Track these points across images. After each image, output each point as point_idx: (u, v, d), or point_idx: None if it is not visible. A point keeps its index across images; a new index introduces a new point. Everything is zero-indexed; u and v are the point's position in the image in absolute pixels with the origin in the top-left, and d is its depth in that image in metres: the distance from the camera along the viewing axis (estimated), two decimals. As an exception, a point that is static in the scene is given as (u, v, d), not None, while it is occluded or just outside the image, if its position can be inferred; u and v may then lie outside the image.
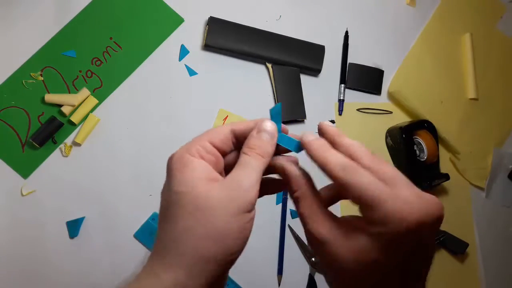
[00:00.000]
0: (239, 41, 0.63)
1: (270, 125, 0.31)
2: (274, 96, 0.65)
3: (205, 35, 0.63)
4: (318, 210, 0.31)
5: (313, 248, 0.31)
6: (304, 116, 0.65)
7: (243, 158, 0.30)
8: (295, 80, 0.66)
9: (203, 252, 0.27)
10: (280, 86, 0.65)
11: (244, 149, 0.31)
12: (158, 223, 0.31)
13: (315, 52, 0.67)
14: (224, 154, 0.32)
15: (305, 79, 0.67)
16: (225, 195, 0.28)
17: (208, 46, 0.63)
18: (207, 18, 0.64)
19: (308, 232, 0.30)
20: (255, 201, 0.30)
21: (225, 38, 0.63)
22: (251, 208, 0.29)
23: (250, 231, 0.30)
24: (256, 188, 0.29)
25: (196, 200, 0.28)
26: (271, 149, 0.31)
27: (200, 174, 0.29)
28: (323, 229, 0.29)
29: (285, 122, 0.65)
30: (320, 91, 0.68)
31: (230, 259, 0.28)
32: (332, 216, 0.31)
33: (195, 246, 0.27)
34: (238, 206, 0.28)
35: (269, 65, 0.65)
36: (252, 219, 0.30)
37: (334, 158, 0.32)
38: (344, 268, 0.28)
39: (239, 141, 0.32)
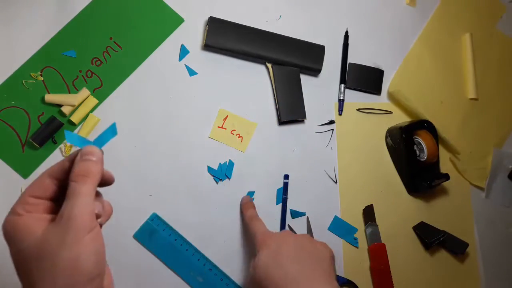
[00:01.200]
0: (239, 41, 0.63)
1: (88, 148, 0.33)
2: (274, 96, 0.65)
3: (205, 35, 0.63)
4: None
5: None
6: (304, 116, 0.65)
7: (70, 187, 0.31)
8: (295, 80, 0.66)
9: None
10: (280, 86, 0.65)
11: (70, 178, 0.31)
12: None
13: (315, 52, 0.67)
14: (52, 198, 0.33)
15: (305, 79, 0.67)
16: (60, 234, 0.29)
17: (208, 46, 0.63)
18: (207, 18, 0.64)
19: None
20: (91, 219, 0.30)
21: (225, 38, 0.63)
22: (89, 230, 0.30)
23: (102, 245, 0.31)
24: (87, 210, 0.30)
25: (39, 252, 0.29)
26: (97, 169, 0.32)
27: (33, 227, 0.30)
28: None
29: (285, 122, 0.65)
30: (320, 91, 0.68)
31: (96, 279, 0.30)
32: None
33: None
34: (76, 237, 0.29)
35: (269, 65, 0.65)
36: (97, 235, 0.31)
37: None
38: None
39: (63, 179, 0.33)
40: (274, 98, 0.65)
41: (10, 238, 0.31)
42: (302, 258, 0.46)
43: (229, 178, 0.61)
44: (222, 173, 0.61)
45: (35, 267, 0.29)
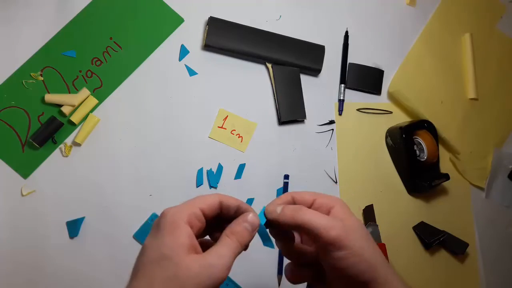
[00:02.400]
0: (239, 41, 0.63)
1: (254, 219, 0.35)
2: (274, 96, 0.65)
3: (205, 35, 0.63)
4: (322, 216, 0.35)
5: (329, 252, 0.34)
6: (304, 116, 0.65)
7: (225, 240, 0.33)
8: (295, 80, 0.66)
9: None
10: (280, 86, 0.65)
11: (227, 232, 0.34)
12: (131, 277, 0.33)
13: (315, 52, 0.67)
14: (207, 220, 0.35)
15: (305, 79, 0.67)
16: (203, 271, 0.31)
17: (208, 46, 0.63)
18: (207, 18, 0.64)
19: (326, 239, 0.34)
20: (225, 275, 0.32)
21: (225, 38, 0.63)
22: (220, 281, 0.32)
23: None
24: (228, 271, 0.32)
25: (177, 269, 0.31)
26: (249, 239, 0.34)
27: (186, 242, 0.32)
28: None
29: (285, 122, 0.65)
30: (320, 91, 0.68)
31: None
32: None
33: None
34: (212, 284, 0.31)
35: (269, 65, 0.65)
36: None
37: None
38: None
39: (221, 211, 0.35)
40: (274, 98, 0.65)
41: (162, 235, 0.32)
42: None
43: (215, 188, 0.61)
44: (212, 179, 0.61)
45: (167, 280, 0.31)
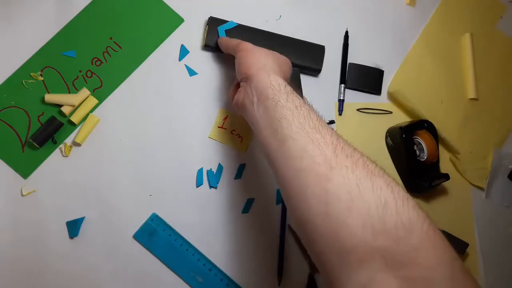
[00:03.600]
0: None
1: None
2: None
3: (205, 35, 0.63)
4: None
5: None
6: None
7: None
8: (295, 79, 0.66)
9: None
10: None
11: None
12: None
13: (315, 52, 0.67)
14: None
15: (305, 79, 0.67)
16: None
17: (208, 47, 0.63)
18: (207, 18, 0.64)
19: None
20: None
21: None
22: None
23: None
24: None
25: None
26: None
27: None
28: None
29: None
30: (320, 91, 0.68)
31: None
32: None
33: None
34: None
35: None
36: None
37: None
38: None
39: None
40: None
41: None
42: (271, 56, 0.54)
43: (215, 188, 0.61)
44: (211, 180, 0.61)
45: None
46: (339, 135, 0.41)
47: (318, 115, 0.44)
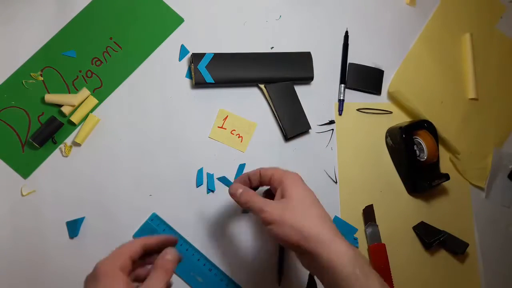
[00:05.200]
0: (226, 71, 0.62)
1: (173, 253, 0.42)
2: (275, 114, 0.65)
3: (193, 74, 0.62)
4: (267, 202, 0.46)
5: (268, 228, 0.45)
6: (309, 127, 0.65)
7: (154, 273, 0.40)
8: (290, 93, 0.65)
9: None
10: (278, 104, 0.64)
11: (155, 266, 0.40)
12: None
13: (302, 61, 0.66)
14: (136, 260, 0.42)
15: (300, 89, 0.66)
16: None
17: (198, 84, 0.62)
18: (190, 55, 0.62)
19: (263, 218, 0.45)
20: None
21: (213, 71, 0.62)
22: None
23: None
24: None
25: None
26: (174, 268, 0.41)
27: (123, 286, 0.37)
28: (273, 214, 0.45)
29: (292, 138, 0.65)
30: (317, 95, 0.68)
31: None
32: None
33: None
34: None
35: (262, 86, 0.64)
36: None
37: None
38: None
39: (145, 251, 0.43)
40: (275, 117, 0.65)
41: (104, 285, 0.38)
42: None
43: (213, 191, 0.61)
44: (209, 183, 0.61)
45: None
46: None
47: None
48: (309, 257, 0.43)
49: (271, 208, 0.45)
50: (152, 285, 0.39)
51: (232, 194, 0.49)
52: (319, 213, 0.45)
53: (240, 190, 0.48)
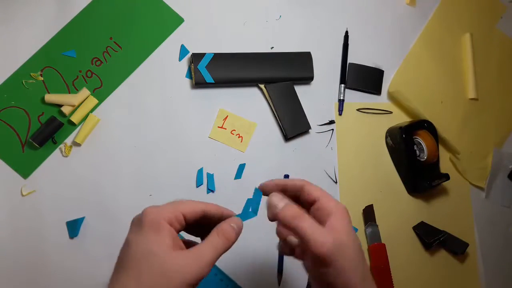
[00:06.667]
0: (226, 71, 0.62)
1: (239, 222, 0.38)
2: (275, 114, 0.65)
3: (193, 74, 0.62)
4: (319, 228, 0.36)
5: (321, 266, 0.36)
6: (309, 127, 0.65)
7: (213, 237, 0.36)
8: (290, 93, 0.65)
9: None
10: (278, 103, 0.64)
11: (217, 230, 0.36)
12: (116, 270, 0.34)
13: (302, 61, 0.66)
14: (188, 223, 0.37)
15: (300, 89, 0.66)
16: (188, 265, 0.33)
17: (199, 84, 0.62)
18: (190, 55, 0.63)
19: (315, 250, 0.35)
20: (209, 269, 0.35)
21: (213, 71, 0.62)
22: (197, 283, 0.34)
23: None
24: (211, 266, 0.35)
25: (163, 263, 0.32)
26: (235, 238, 0.37)
27: (170, 241, 0.34)
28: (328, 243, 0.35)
29: (292, 138, 0.65)
30: (317, 95, 0.68)
31: None
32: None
33: None
34: (194, 277, 0.33)
35: (262, 86, 0.64)
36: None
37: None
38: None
39: (204, 217, 0.38)
40: (275, 117, 0.65)
41: (146, 232, 0.34)
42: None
43: (213, 191, 0.61)
44: (209, 183, 0.61)
45: (153, 276, 0.32)
46: None
47: None
48: None
49: (327, 241, 0.35)
50: (207, 250, 0.34)
51: (272, 206, 0.39)
52: (366, 270, 0.37)
53: (282, 203, 0.39)
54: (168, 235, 0.34)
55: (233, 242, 0.37)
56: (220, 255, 0.35)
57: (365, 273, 0.37)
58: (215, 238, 0.36)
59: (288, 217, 0.37)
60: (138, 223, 0.35)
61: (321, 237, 0.35)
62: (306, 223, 0.36)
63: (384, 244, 0.65)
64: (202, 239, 0.38)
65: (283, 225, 0.38)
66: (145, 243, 0.33)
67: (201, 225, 0.38)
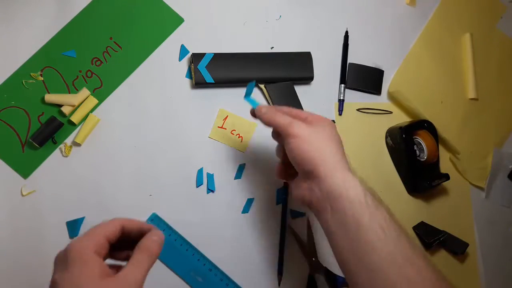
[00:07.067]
0: (227, 71, 0.62)
1: (160, 234, 0.39)
2: None
3: (193, 74, 0.62)
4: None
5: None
6: None
7: (137, 256, 0.36)
8: (290, 93, 0.65)
9: None
10: (278, 103, 0.64)
11: (139, 249, 0.37)
12: None
13: (302, 61, 0.66)
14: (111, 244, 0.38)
15: (300, 89, 0.66)
16: None
17: (198, 84, 0.62)
18: (190, 55, 0.62)
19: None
20: None
21: (213, 71, 0.62)
22: None
23: None
24: (142, 285, 0.35)
25: None
26: (159, 251, 0.38)
27: (98, 271, 0.34)
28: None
29: None
30: (317, 95, 0.68)
31: None
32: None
33: None
34: None
35: (262, 86, 0.64)
36: None
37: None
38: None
39: (123, 234, 0.39)
40: None
41: (73, 267, 0.34)
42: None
43: (213, 191, 0.61)
44: (209, 183, 0.61)
45: None
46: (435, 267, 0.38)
47: (408, 237, 0.40)
48: (318, 181, 0.43)
49: (301, 125, 0.45)
50: (133, 271, 0.35)
51: (257, 111, 0.49)
52: (342, 150, 0.46)
53: (265, 108, 0.49)
54: (95, 266, 0.34)
55: (158, 255, 0.38)
56: (148, 271, 0.36)
57: (337, 159, 0.44)
58: (138, 256, 0.36)
59: (266, 116, 0.48)
60: (63, 260, 0.35)
61: (290, 121, 0.46)
62: (278, 116, 0.47)
63: (384, 244, 0.64)
64: (125, 256, 0.40)
65: (266, 124, 0.48)
66: (74, 279, 0.33)
67: (124, 241, 0.39)
